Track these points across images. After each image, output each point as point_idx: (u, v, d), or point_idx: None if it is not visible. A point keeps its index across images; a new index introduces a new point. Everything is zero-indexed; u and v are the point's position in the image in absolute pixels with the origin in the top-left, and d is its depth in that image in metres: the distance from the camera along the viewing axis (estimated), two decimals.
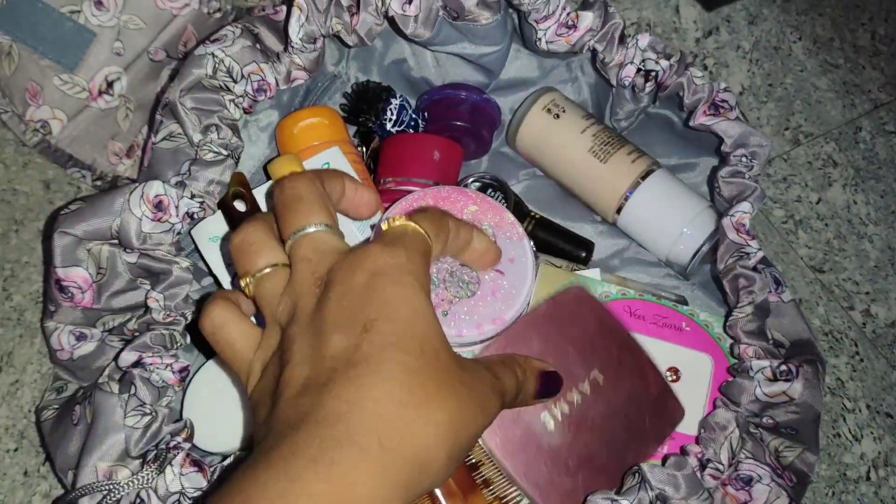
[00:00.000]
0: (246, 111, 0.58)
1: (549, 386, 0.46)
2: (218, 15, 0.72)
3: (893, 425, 0.74)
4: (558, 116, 0.68)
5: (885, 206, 0.84)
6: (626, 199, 0.66)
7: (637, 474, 0.48)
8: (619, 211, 0.67)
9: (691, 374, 0.57)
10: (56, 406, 0.55)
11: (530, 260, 0.57)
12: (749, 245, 0.56)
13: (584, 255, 0.67)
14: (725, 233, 0.57)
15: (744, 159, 0.59)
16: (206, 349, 0.58)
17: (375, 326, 0.37)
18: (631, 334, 0.54)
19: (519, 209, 0.68)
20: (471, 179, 0.69)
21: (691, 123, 0.61)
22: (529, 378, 0.45)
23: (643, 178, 0.66)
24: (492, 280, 0.55)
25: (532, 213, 0.68)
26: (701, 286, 0.68)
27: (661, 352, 0.56)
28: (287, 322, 0.39)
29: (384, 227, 0.43)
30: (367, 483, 0.33)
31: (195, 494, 0.44)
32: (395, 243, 0.41)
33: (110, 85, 0.69)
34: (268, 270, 0.41)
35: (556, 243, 0.67)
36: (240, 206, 0.56)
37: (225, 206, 0.56)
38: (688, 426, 0.54)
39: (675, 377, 0.57)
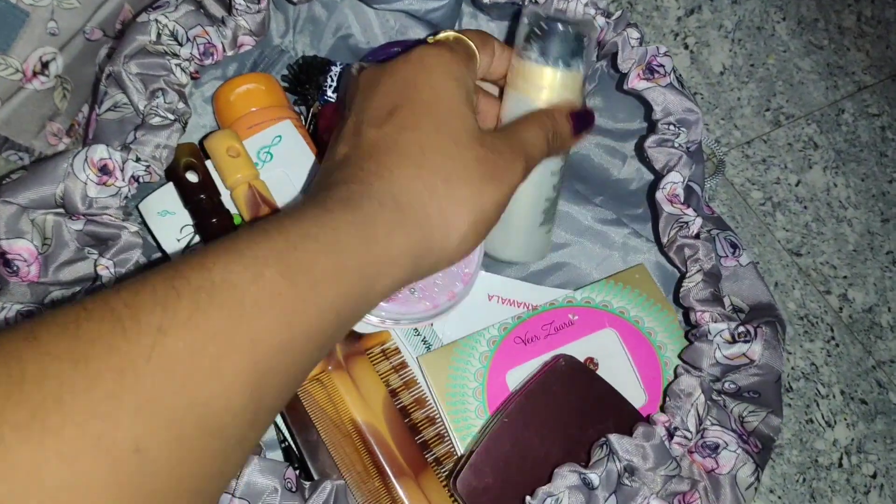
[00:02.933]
0: (192, 76, 0.56)
1: (583, 122, 0.51)
2: None
3: (867, 412, 0.72)
4: None
5: (866, 190, 0.83)
6: None
7: (605, 446, 0.46)
8: None
9: (606, 354, 0.56)
10: None
11: None
12: (685, 214, 0.54)
13: None
14: (661, 206, 0.55)
15: (671, 127, 0.57)
16: None
17: (398, 111, 0.42)
18: (616, 391, 0.53)
19: None
20: None
21: (624, 87, 0.59)
22: (560, 122, 0.49)
23: None
24: None
25: None
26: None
27: (571, 353, 0.54)
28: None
29: (430, 39, 0.47)
30: (382, 226, 0.37)
31: None
32: (440, 44, 0.46)
33: (45, 66, 0.67)
34: None
35: None
36: (192, 176, 0.55)
37: (177, 176, 0.54)
38: (631, 398, 0.53)
39: (594, 366, 0.56)
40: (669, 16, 0.89)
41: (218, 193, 0.55)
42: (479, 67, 0.48)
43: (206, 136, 0.57)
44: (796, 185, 0.82)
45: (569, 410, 0.50)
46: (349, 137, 0.43)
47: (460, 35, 0.48)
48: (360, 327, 0.53)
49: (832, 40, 0.91)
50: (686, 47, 0.88)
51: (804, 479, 0.69)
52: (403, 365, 0.52)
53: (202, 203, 0.54)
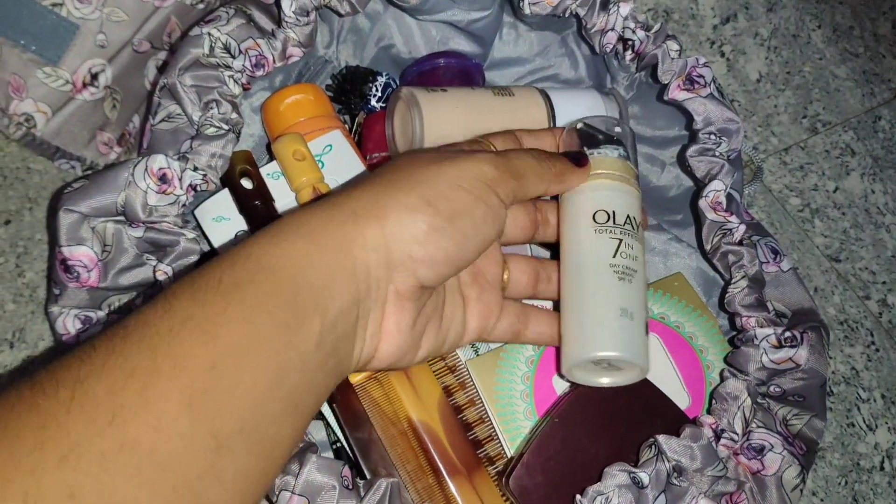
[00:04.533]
0: (244, 88, 0.58)
1: (575, 159, 0.49)
2: (201, 6, 0.72)
3: None
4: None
5: None
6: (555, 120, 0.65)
7: (654, 446, 0.47)
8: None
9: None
10: None
11: None
12: (729, 221, 0.55)
13: None
14: (705, 214, 0.56)
15: (712, 136, 0.58)
16: None
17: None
18: (663, 394, 0.53)
19: None
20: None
21: (665, 97, 0.60)
22: (546, 171, 0.47)
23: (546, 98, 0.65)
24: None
25: None
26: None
27: None
28: None
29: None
30: (375, 239, 0.37)
31: None
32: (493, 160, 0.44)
33: (94, 77, 0.69)
34: None
35: None
36: (247, 183, 0.57)
37: (232, 183, 0.56)
38: (675, 401, 0.54)
39: None
40: (705, 24, 0.90)
41: (272, 199, 0.57)
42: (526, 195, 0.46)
43: (274, 139, 0.59)
44: (834, 191, 0.83)
45: (617, 411, 0.51)
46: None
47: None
48: None
49: (868, 48, 0.91)
50: (722, 55, 0.89)
51: (846, 482, 0.69)
52: (458, 365, 0.53)
53: (257, 209, 0.55)
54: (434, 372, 0.52)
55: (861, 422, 0.72)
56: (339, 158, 0.60)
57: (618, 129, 0.55)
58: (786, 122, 0.86)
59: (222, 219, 0.58)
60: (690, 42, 0.88)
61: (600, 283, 0.47)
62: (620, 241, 0.48)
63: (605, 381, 0.49)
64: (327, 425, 0.54)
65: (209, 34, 0.56)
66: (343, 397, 0.50)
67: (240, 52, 0.58)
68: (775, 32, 0.90)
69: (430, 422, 0.50)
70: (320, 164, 0.58)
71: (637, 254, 0.48)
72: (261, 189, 0.56)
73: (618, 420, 0.51)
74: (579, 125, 0.54)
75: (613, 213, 0.49)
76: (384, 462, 0.49)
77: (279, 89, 0.66)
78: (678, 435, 0.48)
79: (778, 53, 0.89)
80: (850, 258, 0.79)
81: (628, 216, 0.49)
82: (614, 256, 0.47)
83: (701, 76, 0.59)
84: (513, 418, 0.53)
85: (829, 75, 0.89)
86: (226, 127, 0.55)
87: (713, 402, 0.52)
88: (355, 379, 0.50)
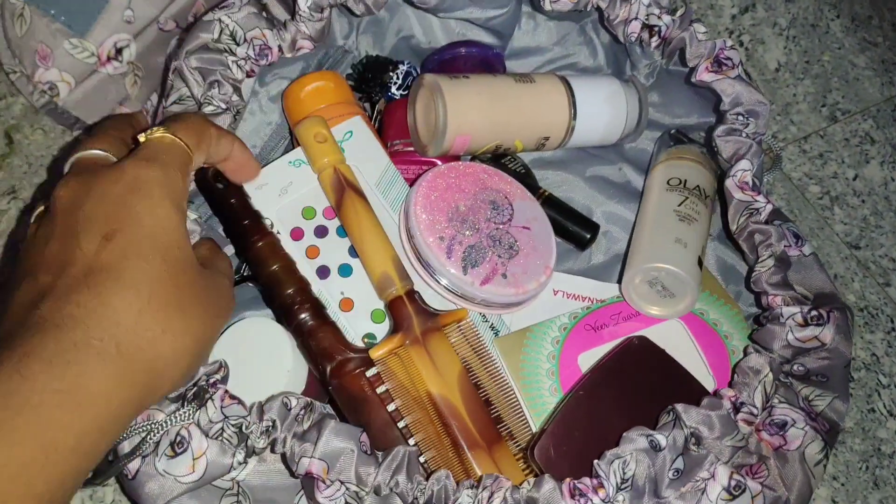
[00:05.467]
0: (248, 74, 0.59)
1: None
2: None
3: None
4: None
5: None
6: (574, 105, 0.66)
7: (671, 412, 0.47)
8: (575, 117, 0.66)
9: (673, 344, 0.57)
10: None
11: (545, 215, 0.61)
12: (756, 200, 0.56)
13: (588, 237, 0.66)
14: (731, 193, 0.56)
15: (740, 118, 0.58)
16: None
17: (117, 236, 0.38)
18: (687, 372, 0.54)
19: (529, 183, 0.67)
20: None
21: (693, 80, 0.61)
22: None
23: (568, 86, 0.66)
24: (525, 237, 0.58)
25: (542, 190, 0.67)
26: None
27: None
28: (46, 222, 0.41)
29: (142, 139, 0.44)
30: (101, 385, 0.34)
31: (238, 422, 0.45)
32: (153, 157, 0.42)
33: (119, 52, 0.70)
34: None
35: (562, 222, 0.65)
36: (220, 184, 0.56)
37: (205, 182, 0.55)
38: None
39: None
40: (724, 14, 0.90)
41: (246, 197, 0.56)
42: (193, 165, 0.46)
43: (296, 124, 0.59)
44: (854, 179, 0.83)
45: (642, 387, 0.52)
46: (51, 263, 0.38)
47: (175, 138, 0.44)
48: (450, 306, 0.56)
49: (886, 37, 0.91)
50: (741, 44, 0.89)
51: (867, 467, 0.69)
52: (479, 341, 0.54)
53: (233, 207, 0.55)
54: (455, 349, 0.52)
55: (882, 407, 0.72)
56: (359, 144, 0.61)
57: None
58: (805, 111, 0.86)
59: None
60: (709, 32, 0.89)
61: (663, 219, 0.59)
62: (686, 198, 0.60)
63: (654, 310, 0.58)
64: (335, 408, 0.54)
65: (219, 20, 0.57)
66: (340, 383, 0.51)
67: (245, 40, 0.58)
68: (794, 22, 0.90)
69: (450, 396, 0.50)
70: (341, 151, 0.59)
71: (700, 210, 0.60)
72: (232, 188, 0.56)
73: (642, 394, 0.51)
74: (672, 130, 0.68)
75: (685, 180, 0.61)
76: (388, 441, 0.50)
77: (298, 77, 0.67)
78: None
79: (797, 43, 0.89)
80: (869, 245, 0.80)
81: (698, 185, 0.61)
82: (679, 206, 0.59)
83: (729, 58, 0.59)
84: (538, 395, 0.54)
85: (848, 64, 0.89)
86: (224, 106, 0.56)
87: (735, 375, 0.52)
88: (375, 353, 0.50)
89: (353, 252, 0.56)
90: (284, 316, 0.53)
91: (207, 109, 0.55)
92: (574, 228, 0.65)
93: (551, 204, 0.66)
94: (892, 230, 0.80)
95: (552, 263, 0.58)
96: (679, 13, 0.61)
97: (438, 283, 0.55)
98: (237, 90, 0.58)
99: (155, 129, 0.44)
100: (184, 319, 0.39)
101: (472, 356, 0.53)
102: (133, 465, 0.44)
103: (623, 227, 0.68)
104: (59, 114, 0.71)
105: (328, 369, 0.51)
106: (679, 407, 0.47)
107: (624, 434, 0.46)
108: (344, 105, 0.65)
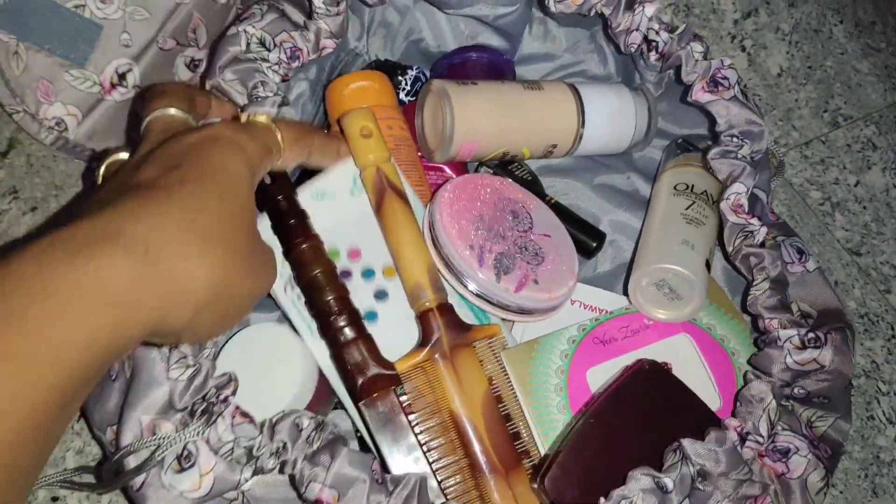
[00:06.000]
0: (283, 78, 0.59)
1: None
2: (223, 1, 0.72)
3: None
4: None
5: None
6: (584, 114, 0.66)
7: (678, 451, 0.48)
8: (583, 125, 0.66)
9: (680, 359, 0.57)
10: None
11: (560, 223, 0.62)
12: (751, 223, 0.56)
13: (594, 245, 0.66)
14: (726, 216, 0.56)
15: (734, 139, 0.58)
16: None
17: (183, 166, 0.39)
18: (696, 396, 0.54)
19: (536, 190, 0.67)
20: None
21: (688, 99, 0.61)
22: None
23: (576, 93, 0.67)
24: (548, 244, 0.59)
25: (549, 197, 0.67)
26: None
27: (647, 356, 0.56)
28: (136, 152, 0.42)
29: (244, 118, 0.46)
30: (118, 283, 0.33)
31: (249, 443, 0.45)
32: (243, 129, 0.43)
33: (122, 77, 0.69)
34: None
35: (568, 230, 0.65)
36: (266, 178, 0.55)
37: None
38: (706, 402, 0.54)
39: (668, 368, 0.57)
40: (726, 19, 0.90)
41: (293, 193, 0.54)
42: (283, 161, 0.47)
43: (342, 115, 0.58)
44: (855, 185, 0.83)
45: (652, 413, 0.52)
46: (111, 182, 0.40)
47: (272, 126, 0.46)
48: (482, 317, 0.56)
49: (890, 43, 0.91)
50: (743, 49, 0.89)
51: (866, 475, 0.70)
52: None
53: (279, 204, 0.53)
54: (483, 365, 0.52)
55: (881, 415, 0.73)
56: None
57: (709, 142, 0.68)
58: (807, 116, 0.86)
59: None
60: (711, 37, 0.89)
61: (670, 222, 0.60)
62: (693, 202, 0.61)
63: (661, 314, 0.58)
64: (350, 416, 0.54)
65: (245, 31, 0.57)
66: (370, 400, 0.50)
67: (274, 45, 0.58)
68: (797, 27, 0.91)
69: (473, 417, 0.50)
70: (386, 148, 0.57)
71: (708, 214, 0.60)
72: (281, 184, 0.54)
73: (653, 421, 0.52)
74: (679, 139, 0.69)
75: (693, 185, 0.62)
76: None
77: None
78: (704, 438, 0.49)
79: (799, 48, 0.89)
80: (870, 252, 0.80)
81: (706, 190, 0.62)
82: (686, 209, 0.60)
83: (725, 78, 0.59)
84: (546, 411, 0.54)
85: (851, 70, 0.89)
86: (271, 94, 0.55)
87: (738, 404, 0.52)
88: (401, 367, 0.50)
89: (380, 295, 0.55)
90: (319, 323, 0.52)
91: (257, 99, 0.55)
92: (580, 237, 0.66)
93: (558, 212, 0.66)
94: (894, 237, 0.81)
95: (577, 269, 0.59)
96: (679, 31, 0.61)
97: (470, 291, 0.55)
98: (278, 88, 0.57)
99: (260, 113, 0.46)
100: (223, 257, 0.37)
101: (497, 371, 0.53)
102: (139, 476, 0.44)
103: (630, 237, 0.69)
104: (71, 148, 0.70)
105: (359, 384, 0.50)
106: (685, 443, 0.47)
107: (630, 473, 0.46)
108: (386, 108, 0.64)
